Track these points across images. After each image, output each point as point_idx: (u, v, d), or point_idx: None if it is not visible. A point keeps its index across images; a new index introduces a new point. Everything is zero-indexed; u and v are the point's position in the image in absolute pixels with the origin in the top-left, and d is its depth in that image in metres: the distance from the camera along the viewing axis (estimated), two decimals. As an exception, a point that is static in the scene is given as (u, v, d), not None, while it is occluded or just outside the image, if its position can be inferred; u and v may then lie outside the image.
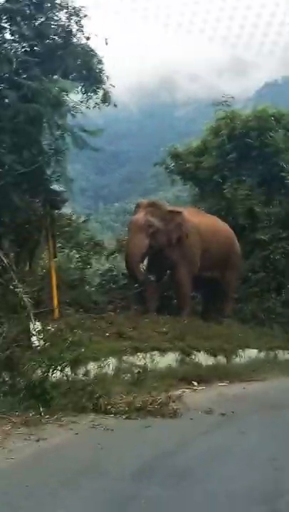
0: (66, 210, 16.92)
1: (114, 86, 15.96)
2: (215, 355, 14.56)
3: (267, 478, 6.05)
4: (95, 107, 16.02)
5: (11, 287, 11.97)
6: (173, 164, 24.03)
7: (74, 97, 15.27)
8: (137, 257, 15.82)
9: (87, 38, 15.28)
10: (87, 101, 15.82)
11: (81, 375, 10.34)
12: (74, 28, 15.09)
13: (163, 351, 13.18)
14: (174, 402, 9.75)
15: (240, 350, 15.44)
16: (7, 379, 9.36)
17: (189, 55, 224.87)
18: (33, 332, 10.95)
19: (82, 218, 18.67)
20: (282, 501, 5.39)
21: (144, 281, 15.75)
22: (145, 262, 16.65)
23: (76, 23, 15.09)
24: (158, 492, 5.68)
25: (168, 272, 17.16)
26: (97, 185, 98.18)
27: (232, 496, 5.53)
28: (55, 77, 14.56)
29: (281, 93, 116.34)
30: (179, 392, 10.97)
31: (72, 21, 15.08)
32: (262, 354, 16.18)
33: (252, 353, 15.82)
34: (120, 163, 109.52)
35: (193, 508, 5.24)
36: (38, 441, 7.46)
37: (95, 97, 15.85)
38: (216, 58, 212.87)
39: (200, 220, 17.50)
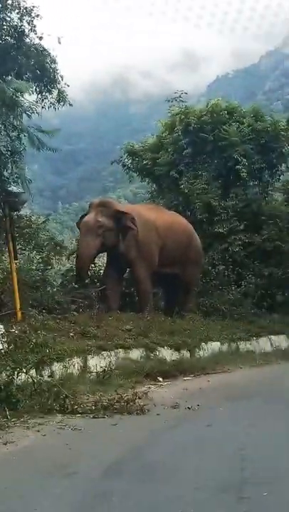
0: (25, 211, 16.84)
1: (68, 85, 15.92)
2: (179, 350, 14.67)
3: (234, 468, 6.16)
4: (50, 106, 15.93)
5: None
6: (130, 161, 24.13)
7: (29, 97, 15.20)
8: (87, 258, 16.08)
9: (40, 38, 15.21)
10: (42, 101, 15.73)
11: (46, 377, 10.32)
12: (26, 28, 15.00)
13: (127, 348, 13.24)
14: (140, 398, 9.81)
15: (203, 344, 15.58)
16: (-28, 383, 9.28)
17: (141, 52, 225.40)
18: (-4, 335, 10.89)
19: (42, 219, 18.62)
20: (248, 488, 5.49)
21: (87, 284, 15.82)
22: (104, 260, 16.86)
23: (28, 23, 14.99)
24: (128, 488, 5.74)
25: (128, 269, 17.31)
26: (55, 186, 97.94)
27: (201, 486, 5.62)
28: (9, 78, 14.48)
29: (233, 86, 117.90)
30: (144, 388, 11.06)
31: (24, 21, 14.98)
32: (224, 346, 16.38)
33: (215, 345, 16.00)
34: (77, 162, 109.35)
35: (164, 501, 5.31)
36: (5, 444, 7.43)
37: (50, 96, 15.77)
38: (168, 54, 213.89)
39: (157, 216, 17.60)
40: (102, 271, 17.84)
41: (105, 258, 17.65)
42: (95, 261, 17.74)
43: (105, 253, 17.21)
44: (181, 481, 5.88)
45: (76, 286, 15.81)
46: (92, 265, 17.76)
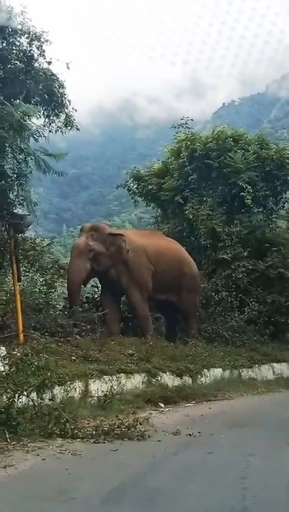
0: (30, 233, 16.89)
1: (76, 110, 16.10)
2: (181, 376, 14.64)
3: (235, 496, 6.09)
4: (57, 130, 16.11)
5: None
6: (135, 186, 24.29)
7: (36, 121, 15.36)
8: (77, 282, 16.05)
9: (49, 63, 15.45)
10: (50, 125, 15.91)
11: (47, 400, 10.25)
12: (35, 52, 15.24)
13: (129, 373, 13.18)
14: (141, 424, 9.73)
15: (205, 370, 15.55)
16: (-28, 405, 9.23)
17: (148, 78, 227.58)
18: (-2, 357, 10.85)
19: (46, 242, 18.66)
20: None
21: (75, 312, 15.72)
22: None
23: (37, 47, 15.23)
24: (128, 515, 5.69)
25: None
26: (60, 208, 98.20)
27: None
28: (17, 101, 14.65)
29: (239, 113, 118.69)
30: (146, 414, 10.98)
31: (33, 46, 15.21)
32: (226, 373, 16.33)
33: (217, 372, 15.96)
34: (83, 185, 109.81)
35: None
36: (4, 467, 7.36)
37: (57, 120, 15.96)
38: (175, 81, 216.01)
39: (147, 241, 17.58)
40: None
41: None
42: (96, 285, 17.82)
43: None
44: (182, 509, 5.82)
45: (72, 309, 15.74)
46: (95, 289, 17.84)
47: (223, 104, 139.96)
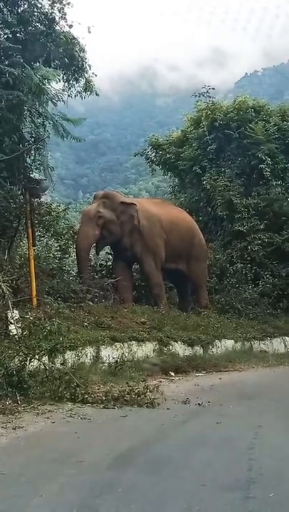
0: (45, 198, 16.85)
1: (96, 75, 15.94)
2: (192, 346, 14.66)
3: (242, 467, 6.12)
4: (76, 95, 15.96)
5: (-11, 275, 11.90)
6: (153, 154, 24.13)
7: (56, 85, 15.22)
8: (84, 248, 16.08)
9: (70, 26, 15.26)
10: (69, 89, 15.77)
11: (59, 364, 10.33)
12: (57, 15, 15.06)
13: (141, 341, 13.23)
14: (151, 392, 9.80)
15: (216, 341, 15.55)
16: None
17: (169, 45, 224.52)
18: (11, 320, 10.92)
19: (62, 207, 18.59)
20: (255, 488, 5.46)
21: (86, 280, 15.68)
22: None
23: (59, 10, 15.02)
24: (135, 480, 5.72)
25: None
26: (77, 174, 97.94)
27: (207, 483, 5.59)
28: (37, 64, 14.49)
29: (261, 84, 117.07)
30: (156, 382, 11.06)
31: (55, 8, 15.02)
32: (238, 345, 16.33)
33: (228, 343, 15.96)
34: (100, 152, 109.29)
35: (170, 496, 5.29)
36: (14, 429, 7.46)
37: (76, 85, 15.80)
38: (196, 49, 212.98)
39: (161, 210, 17.56)
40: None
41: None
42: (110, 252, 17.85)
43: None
44: (188, 477, 5.85)
45: (80, 275, 15.75)
46: (110, 257, 17.87)
47: (246, 74, 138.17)
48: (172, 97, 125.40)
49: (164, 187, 39.64)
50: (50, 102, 15.06)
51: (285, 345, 18.30)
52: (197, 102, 23.54)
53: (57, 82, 15.22)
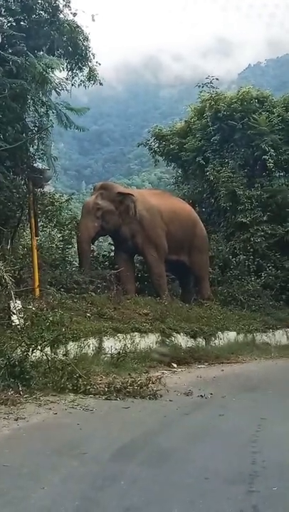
0: (48, 188, 16.79)
1: (100, 64, 15.81)
2: (194, 337, 14.66)
3: (245, 460, 6.08)
4: (80, 84, 15.85)
5: (-8, 265, 11.86)
6: (156, 145, 24.05)
7: (59, 74, 15.10)
8: (85, 240, 16.12)
9: (74, 14, 15.12)
10: (73, 78, 15.65)
11: (61, 355, 10.32)
12: (61, 3, 14.95)
13: (144, 332, 13.21)
14: (153, 383, 9.80)
15: (219, 333, 15.55)
16: (-14, 357, 9.29)
17: (173, 35, 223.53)
18: (14, 311, 10.91)
19: (65, 197, 18.54)
20: (258, 482, 5.42)
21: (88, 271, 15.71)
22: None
23: (63, -2, 14.88)
24: (137, 473, 5.69)
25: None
26: (80, 165, 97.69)
27: (211, 476, 5.55)
28: (41, 53, 14.38)
29: (265, 75, 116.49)
30: (158, 373, 11.04)
31: (59, -4, 14.87)
32: (240, 336, 16.32)
33: (231, 335, 15.95)
34: (104, 143, 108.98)
35: (173, 489, 5.26)
36: (16, 420, 7.44)
37: (80, 74, 15.69)
38: (200, 39, 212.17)
39: (161, 201, 17.52)
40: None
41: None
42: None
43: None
44: (191, 470, 5.81)
45: (81, 268, 15.72)
46: (112, 248, 17.85)
47: (249, 65, 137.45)
48: (176, 88, 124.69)
49: (166, 178, 39.56)
50: (53, 92, 14.97)
51: (288, 337, 18.27)
52: (201, 92, 23.44)
53: (60, 71, 15.10)
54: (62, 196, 18.72)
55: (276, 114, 22.09)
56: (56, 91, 15.02)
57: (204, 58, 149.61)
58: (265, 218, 20.97)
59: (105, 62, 18.24)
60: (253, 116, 21.67)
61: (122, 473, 5.60)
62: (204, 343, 14.91)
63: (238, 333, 16.35)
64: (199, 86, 23.69)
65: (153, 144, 24.28)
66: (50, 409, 8.10)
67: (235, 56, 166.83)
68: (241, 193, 20.98)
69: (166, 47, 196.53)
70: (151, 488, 5.27)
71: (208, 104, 22.40)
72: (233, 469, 5.86)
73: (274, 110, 22.34)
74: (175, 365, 12.57)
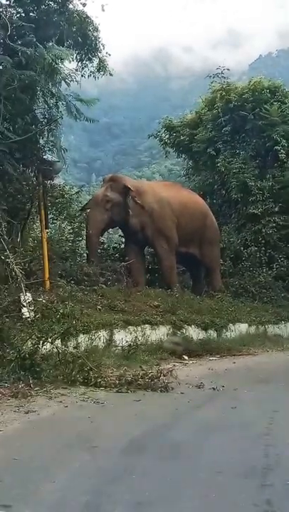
0: (58, 181, 16.74)
1: (110, 55, 15.69)
2: (206, 330, 14.59)
3: (258, 453, 6.00)
4: (90, 75, 15.75)
5: (2, 257, 11.83)
6: (167, 136, 23.92)
7: (69, 65, 14.99)
8: (94, 233, 16.05)
9: (84, 5, 15.00)
10: (82, 69, 15.55)
11: (72, 348, 10.27)
12: (70, -7, 14.78)
13: (154, 325, 13.14)
14: (164, 376, 9.72)
15: (230, 325, 15.47)
16: (-3, 350, 9.26)
17: (183, 27, 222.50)
18: (24, 303, 10.87)
19: (75, 190, 18.48)
20: (271, 476, 5.34)
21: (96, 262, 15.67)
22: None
23: (72, -13, 14.76)
24: (149, 466, 5.63)
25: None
26: (90, 157, 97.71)
27: (223, 470, 5.48)
28: (50, 44, 14.26)
29: (276, 65, 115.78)
30: (169, 366, 10.97)
31: (68, -14, 14.75)
32: (252, 329, 16.24)
33: (242, 327, 15.87)
34: (114, 135, 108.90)
35: (185, 482, 5.19)
36: (27, 413, 7.40)
37: (90, 65, 15.58)
38: (210, 30, 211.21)
39: (172, 193, 17.43)
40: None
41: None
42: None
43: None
44: (203, 464, 5.74)
45: (90, 260, 15.67)
46: (123, 240, 17.80)
47: (260, 55, 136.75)
48: (187, 80, 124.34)
49: (177, 170, 39.36)
50: (63, 83, 14.85)
51: (300, 329, 18.16)
52: (212, 83, 23.26)
53: (70, 62, 14.99)
54: (72, 188, 18.68)
55: (288, 105, 21.88)
56: (66, 82, 14.90)
57: (214, 50, 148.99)
58: (276, 209, 20.81)
59: (115, 55, 18.13)
60: (265, 106, 21.47)
61: (133, 467, 5.55)
62: (216, 335, 14.83)
63: (249, 325, 16.27)
64: (210, 77, 23.50)
65: (163, 135, 24.17)
66: (60, 402, 8.06)
67: (245, 47, 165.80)
68: (253, 184, 20.83)
69: (176, 39, 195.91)
70: (163, 482, 5.20)
71: (219, 95, 22.23)
72: (246, 463, 5.78)
73: (286, 100, 22.12)
74: (186, 358, 12.51)
